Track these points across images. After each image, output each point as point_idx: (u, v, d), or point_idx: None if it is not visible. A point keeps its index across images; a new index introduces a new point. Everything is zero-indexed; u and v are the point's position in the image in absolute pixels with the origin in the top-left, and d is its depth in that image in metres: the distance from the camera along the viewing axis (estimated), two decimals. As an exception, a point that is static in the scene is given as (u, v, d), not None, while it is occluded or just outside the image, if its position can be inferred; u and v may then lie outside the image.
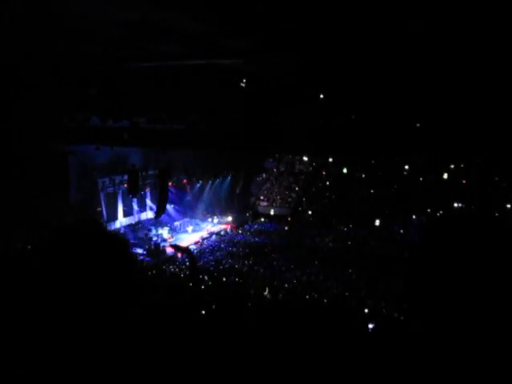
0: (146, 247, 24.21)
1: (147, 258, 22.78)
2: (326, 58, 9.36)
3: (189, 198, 32.56)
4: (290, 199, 34.57)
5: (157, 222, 27.51)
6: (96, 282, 1.36)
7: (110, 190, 26.17)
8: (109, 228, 23.53)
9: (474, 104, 10.48)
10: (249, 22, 7.28)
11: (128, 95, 13.57)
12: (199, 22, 7.54)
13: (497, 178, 28.14)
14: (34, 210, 17.90)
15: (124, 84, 12.52)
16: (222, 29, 7.85)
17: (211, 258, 22.98)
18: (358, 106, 12.91)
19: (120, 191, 26.75)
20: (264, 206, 34.51)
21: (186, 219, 31.22)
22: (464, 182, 29.11)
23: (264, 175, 37.12)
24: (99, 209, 25.09)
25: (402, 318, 10.96)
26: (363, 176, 33.09)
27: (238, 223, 31.76)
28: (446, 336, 1.27)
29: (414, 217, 28.45)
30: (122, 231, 26.04)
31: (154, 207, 27.07)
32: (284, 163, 37.33)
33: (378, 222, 28.74)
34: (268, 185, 36.47)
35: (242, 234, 29.42)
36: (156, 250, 24.01)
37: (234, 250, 24.78)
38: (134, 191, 22.55)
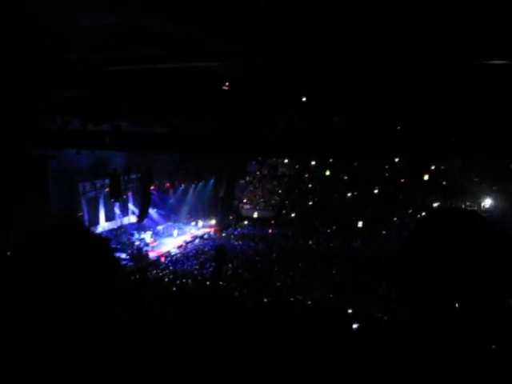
0: (129, 252, 23.96)
1: (130, 263, 22.55)
2: (310, 61, 9.43)
3: (172, 201, 32.36)
4: (274, 202, 34.65)
5: (139, 226, 27.24)
6: (79, 282, 1.34)
7: (92, 194, 25.85)
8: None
9: (454, 107, 10.68)
10: (232, 26, 7.29)
11: (109, 98, 13.45)
12: (182, 26, 7.52)
13: (476, 179, 28.69)
14: (12, 215, 17.55)
15: (105, 87, 12.40)
16: (206, 32, 7.85)
17: (195, 262, 22.86)
18: (340, 109, 13.03)
19: (102, 195, 26.44)
20: (247, 209, 34.53)
21: (170, 223, 31.02)
22: (444, 183, 29.61)
23: (247, 178, 37.14)
24: (80, 213, 24.74)
25: (385, 317, 11.07)
26: (346, 178, 33.38)
27: (221, 226, 31.69)
28: (437, 334, 1.30)
29: (395, 219, 28.78)
30: (104, 236, 25.73)
31: (137, 211, 26.81)
32: (267, 166, 37.41)
33: (360, 224, 29.00)
34: (251, 188, 36.49)
35: (225, 236, 29.39)
36: (139, 255, 23.78)
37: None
38: (116, 195, 22.34)
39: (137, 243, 25.63)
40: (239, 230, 31.32)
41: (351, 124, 12.86)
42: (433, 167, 29.27)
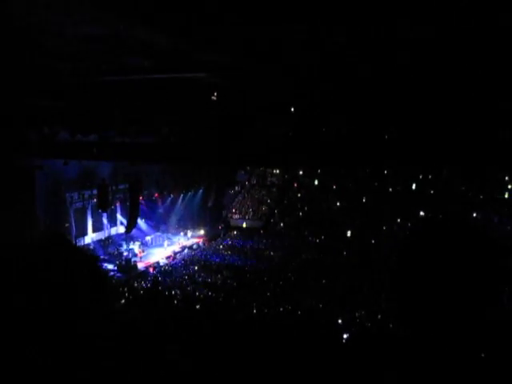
0: (117, 263, 23.71)
1: (118, 274, 22.30)
2: (298, 71, 9.50)
3: (160, 211, 32.18)
4: (263, 211, 34.63)
5: (128, 236, 27.01)
6: (66, 298, 1.33)
7: (79, 204, 25.62)
8: (78, 244, 22.96)
9: (442, 117, 10.81)
10: (220, 37, 7.33)
11: (97, 109, 13.40)
12: (170, 37, 7.54)
13: (463, 188, 29.01)
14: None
15: (94, 97, 12.36)
16: (194, 44, 7.87)
17: (184, 272, 22.70)
18: (329, 118, 13.12)
19: (89, 206, 26.21)
20: (236, 219, 34.44)
21: (158, 233, 30.82)
22: (432, 192, 29.87)
23: (236, 188, 37.11)
24: (67, 224, 24.46)
25: (375, 327, 11.07)
26: (334, 187, 33.52)
27: (210, 236, 31.55)
28: (433, 343, 1.30)
29: (384, 228, 28.92)
30: (91, 247, 25.44)
31: (125, 222, 26.61)
32: (256, 176, 37.44)
33: (349, 233, 29.08)
34: (240, 197, 36.45)
35: (214, 247, 29.23)
36: (127, 266, 23.55)
37: (208, 263, 24.60)
38: (104, 206, 22.15)
39: (125, 254, 25.38)
40: (228, 241, 31.10)
41: (341, 134, 12.94)
42: (421, 176, 29.57)
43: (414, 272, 1.33)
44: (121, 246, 26.69)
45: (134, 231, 25.83)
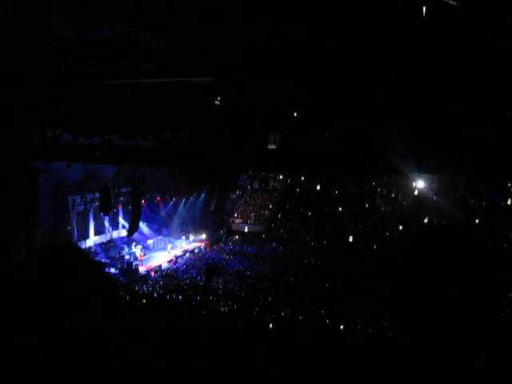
0: (119, 266, 23.70)
1: (121, 278, 22.29)
2: (298, 75, 9.49)
3: (163, 215, 32.21)
4: (265, 216, 34.62)
5: (129, 240, 27.01)
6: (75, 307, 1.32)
7: (81, 207, 25.66)
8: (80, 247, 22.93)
9: (445, 122, 10.79)
10: (224, 42, 7.33)
11: (101, 112, 13.42)
12: (174, 41, 7.54)
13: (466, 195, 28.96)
14: (1, 230, 17.33)
15: (96, 101, 12.38)
16: (197, 48, 7.87)
17: (185, 276, 22.68)
18: (332, 124, 13.12)
19: (91, 209, 26.24)
20: (238, 224, 34.44)
21: (160, 237, 30.83)
22: (434, 198, 29.82)
23: (238, 192, 37.15)
24: (69, 227, 24.48)
25: (377, 334, 11.02)
26: (336, 192, 33.54)
27: (212, 240, 31.55)
28: (433, 348, 1.30)
29: (387, 233, 28.88)
30: (93, 250, 25.44)
31: (127, 225, 26.61)
32: (258, 180, 37.49)
33: (351, 238, 29.06)
34: (242, 202, 36.47)
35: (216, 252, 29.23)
36: (129, 269, 23.53)
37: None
38: (107, 209, 22.14)
39: (127, 257, 25.38)
40: (230, 245, 31.10)
41: (342, 140, 12.92)
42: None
43: (416, 280, 1.33)
44: (122, 249, 26.70)
45: (135, 235, 25.82)
